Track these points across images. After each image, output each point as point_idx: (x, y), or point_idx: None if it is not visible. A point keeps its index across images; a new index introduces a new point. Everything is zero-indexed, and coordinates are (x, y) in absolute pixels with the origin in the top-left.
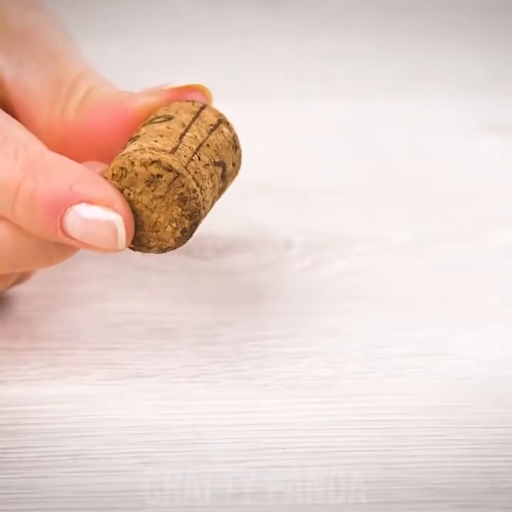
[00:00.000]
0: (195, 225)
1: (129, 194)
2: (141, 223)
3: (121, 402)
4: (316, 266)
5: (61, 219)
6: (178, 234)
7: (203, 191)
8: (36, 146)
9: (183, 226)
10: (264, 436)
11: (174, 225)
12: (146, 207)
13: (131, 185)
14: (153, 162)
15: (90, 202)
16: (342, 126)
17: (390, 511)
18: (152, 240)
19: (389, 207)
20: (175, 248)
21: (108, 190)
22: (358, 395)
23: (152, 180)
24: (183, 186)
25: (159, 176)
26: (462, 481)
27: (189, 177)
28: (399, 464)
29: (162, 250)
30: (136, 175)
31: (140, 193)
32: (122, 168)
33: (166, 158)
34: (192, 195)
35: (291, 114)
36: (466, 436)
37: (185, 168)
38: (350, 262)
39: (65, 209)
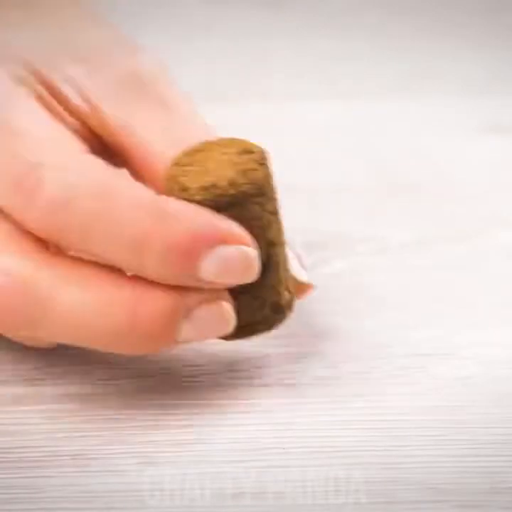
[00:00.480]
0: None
1: (208, 151)
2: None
3: (122, 402)
4: (316, 266)
5: (198, 262)
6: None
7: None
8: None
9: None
10: (264, 436)
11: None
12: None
13: (219, 147)
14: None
15: (227, 241)
16: (342, 126)
17: (390, 511)
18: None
19: (389, 207)
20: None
21: (235, 227)
22: (358, 395)
23: (240, 152)
24: (253, 171)
25: (251, 152)
26: (462, 481)
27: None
28: (399, 463)
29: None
30: (232, 142)
31: (223, 153)
32: (232, 139)
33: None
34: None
35: (291, 114)
36: (466, 436)
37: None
38: (350, 262)
39: (204, 252)
